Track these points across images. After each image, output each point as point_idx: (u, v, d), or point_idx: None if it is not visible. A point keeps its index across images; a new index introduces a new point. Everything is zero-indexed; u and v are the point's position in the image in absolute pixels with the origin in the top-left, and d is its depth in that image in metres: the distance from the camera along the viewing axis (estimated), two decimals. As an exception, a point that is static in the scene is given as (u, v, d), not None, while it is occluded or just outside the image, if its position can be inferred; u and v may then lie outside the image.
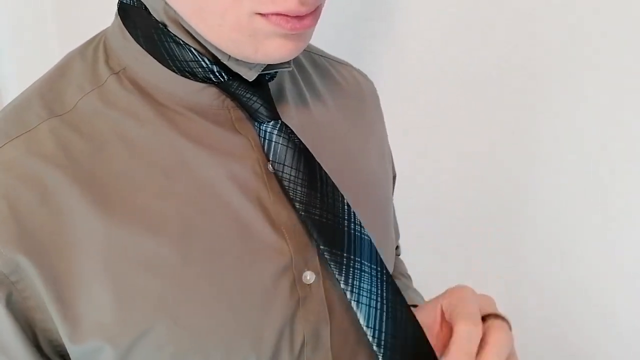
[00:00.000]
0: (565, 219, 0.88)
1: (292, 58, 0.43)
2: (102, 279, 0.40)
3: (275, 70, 0.46)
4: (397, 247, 0.75)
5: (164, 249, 0.42)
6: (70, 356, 0.42)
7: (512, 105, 0.87)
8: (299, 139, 0.47)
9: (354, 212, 0.47)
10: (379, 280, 0.46)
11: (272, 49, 0.41)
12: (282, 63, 0.46)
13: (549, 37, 0.81)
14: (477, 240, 0.94)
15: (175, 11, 0.43)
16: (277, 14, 0.39)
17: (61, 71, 0.46)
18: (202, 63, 0.44)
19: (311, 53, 0.59)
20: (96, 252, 0.41)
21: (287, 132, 0.47)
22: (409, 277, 0.72)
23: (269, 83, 0.48)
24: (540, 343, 0.96)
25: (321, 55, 0.60)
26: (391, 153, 0.65)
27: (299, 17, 0.40)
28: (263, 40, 0.41)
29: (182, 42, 0.44)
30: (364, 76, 0.63)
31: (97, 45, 0.48)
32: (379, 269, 0.46)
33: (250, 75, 0.45)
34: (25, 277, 0.40)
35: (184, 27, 0.43)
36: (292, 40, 0.42)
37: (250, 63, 0.44)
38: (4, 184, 0.40)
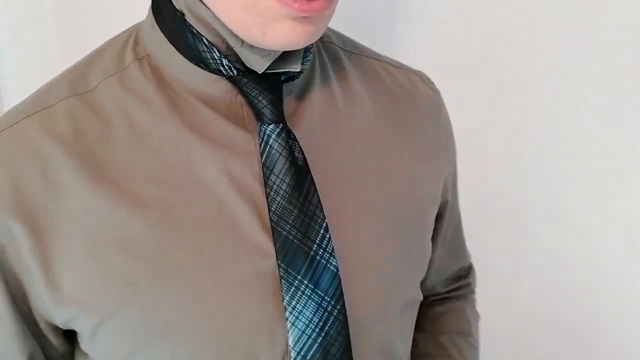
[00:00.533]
0: (565, 219, 0.88)
1: (302, 45, 0.42)
2: (83, 253, 0.43)
3: (286, 70, 0.45)
4: (464, 285, 0.69)
5: (145, 234, 0.43)
6: (57, 320, 0.45)
7: (512, 104, 0.87)
8: (299, 148, 0.46)
9: (329, 239, 0.45)
10: (325, 313, 0.44)
11: (280, 32, 0.41)
12: (290, 64, 0.45)
13: (549, 37, 0.81)
14: (478, 240, 0.94)
15: None
16: None
17: (95, 55, 0.49)
18: (214, 54, 0.44)
19: (360, 55, 0.56)
20: (82, 226, 0.43)
21: (286, 138, 0.46)
22: (468, 335, 0.65)
23: (292, 84, 0.48)
24: (550, 340, 0.96)
25: (374, 58, 0.57)
26: (453, 178, 0.61)
27: None
28: (271, 23, 0.40)
29: (195, 31, 0.44)
30: (429, 86, 0.58)
31: (131, 33, 0.50)
32: (332, 302, 0.44)
33: (260, 67, 0.44)
34: (14, 241, 0.43)
35: (199, 16, 0.44)
36: (301, 24, 0.41)
37: (263, 51, 0.43)
38: (10, 154, 0.44)
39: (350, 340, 0.45)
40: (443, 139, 0.57)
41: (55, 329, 0.47)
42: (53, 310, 0.44)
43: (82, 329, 0.45)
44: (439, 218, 0.59)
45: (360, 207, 0.48)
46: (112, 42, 0.50)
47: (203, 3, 0.43)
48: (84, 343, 0.46)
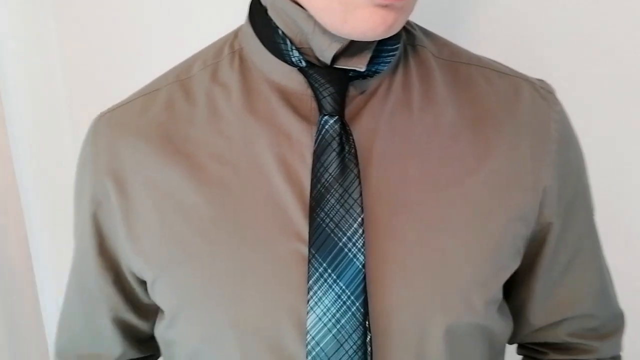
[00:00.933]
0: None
1: (380, 35, 0.43)
2: (153, 214, 0.50)
3: (351, 68, 0.47)
4: (592, 344, 0.59)
5: (202, 206, 0.49)
6: (134, 268, 0.53)
7: None
8: (351, 143, 0.47)
9: (361, 234, 0.46)
10: (344, 306, 0.46)
11: (361, 18, 0.42)
12: (357, 62, 0.47)
13: (548, 37, 0.81)
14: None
15: None
16: None
17: (205, 48, 0.56)
18: (287, 45, 0.48)
19: (455, 62, 0.55)
20: (155, 192, 0.50)
21: (339, 130, 0.48)
22: None
23: (364, 83, 0.50)
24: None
25: (474, 64, 0.55)
26: (561, 199, 0.54)
27: None
28: (353, 10, 0.42)
29: (274, 25, 0.49)
30: (541, 95, 0.55)
31: (238, 29, 0.56)
32: (351, 297, 0.46)
33: (328, 54, 0.47)
34: (108, 198, 0.52)
35: (278, 8, 0.48)
36: (381, 12, 0.42)
37: (333, 37, 0.46)
38: (115, 127, 0.53)
39: (366, 340, 0.46)
40: (545, 153, 0.52)
41: (137, 278, 0.55)
42: (131, 259, 0.52)
43: (147, 279, 0.52)
44: (541, 242, 0.55)
45: (411, 212, 0.48)
46: (221, 38, 0.56)
47: None
48: (149, 292, 0.53)
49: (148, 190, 0.51)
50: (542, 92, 0.55)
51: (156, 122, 0.52)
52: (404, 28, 0.54)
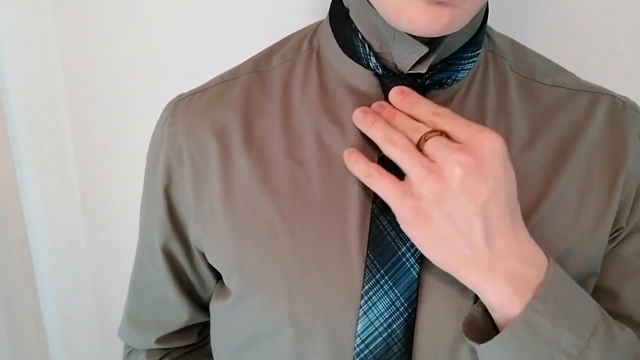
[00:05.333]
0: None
1: (435, 32, 0.42)
2: (219, 197, 0.52)
3: (416, 72, 0.47)
4: None
5: (267, 200, 0.50)
6: (191, 236, 0.56)
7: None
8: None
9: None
10: (396, 312, 0.47)
11: (413, 13, 0.42)
12: (421, 66, 0.46)
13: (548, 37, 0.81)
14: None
15: None
16: None
17: (283, 40, 0.58)
18: (365, 49, 0.48)
19: (531, 80, 0.54)
20: (227, 177, 0.52)
21: None
22: None
23: (437, 91, 0.49)
24: None
25: (548, 84, 0.54)
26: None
27: None
28: (406, 5, 0.42)
29: (354, 27, 0.49)
30: (623, 112, 0.54)
31: (319, 23, 0.56)
32: (405, 304, 0.47)
33: (406, 64, 0.47)
34: (182, 179, 0.54)
35: (359, 11, 0.48)
36: (434, 9, 0.41)
37: (411, 47, 0.46)
38: (194, 111, 0.55)
39: (412, 344, 0.48)
40: (621, 167, 0.52)
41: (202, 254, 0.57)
42: (192, 226, 0.55)
43: (203, 247, 0.55)
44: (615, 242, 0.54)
45: None
46: (301, 31, 0.57)
47: None
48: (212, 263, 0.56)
49: (220, 176, 0.52)
50: (620, 105, 0.54)
51: (233, 108, 0.53)
52: (486, 33, 0.54)
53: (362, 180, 0.47)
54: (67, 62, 0.89)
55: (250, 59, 0.57)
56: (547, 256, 0.46)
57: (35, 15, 0.87)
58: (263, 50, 0.58)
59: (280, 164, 0.51)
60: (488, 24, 0.53)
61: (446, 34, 0.43)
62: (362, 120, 0.48)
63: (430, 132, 0.45)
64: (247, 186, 0.51)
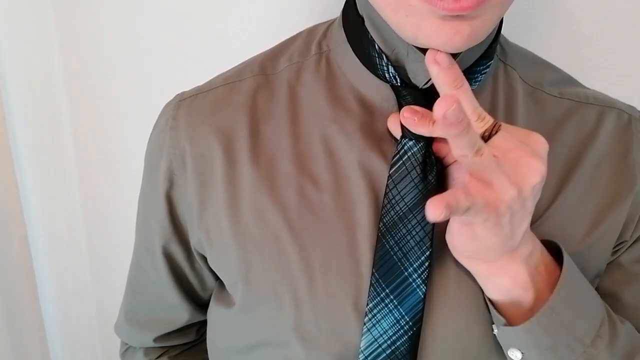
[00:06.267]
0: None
1: (457, 48, 0.40)
2: (225, 205, 0.51)
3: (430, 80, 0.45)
4: None
5: (274, 209, 0.49)
6: (192, 240, 0.55)
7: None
8: (436, 171, 0.46)
9: (427, 266, 0.46)
10: (401, 330, 0.47)
11: (429, 31, 0.40)
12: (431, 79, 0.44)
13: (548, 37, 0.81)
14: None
15: (369, 5, 0.45)
16: None
17: (288, 41, 0.56)
18: (382, 61, 0.46)
19: (540, 90, 0.53)
20: (231, 183, 0.50)
21: (422, 157, 0.46)
22: None
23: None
24: None
25: (556, 96, 0.53)
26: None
27: None
28: (420, 23, 0.40)
29: (370, 37, 0.47)
30: (629, 122, 0.53)
31: (328, 26, 0.55)
32: (410, 322, 0.47)
33: (422, 79, 0.45)
34: (185, 183, 0.53)
35: (375, 23, 0.46)
36: (451, 23, 0.39)
37: (425, 64, 0.43)
38: (197, 115, 0.52)
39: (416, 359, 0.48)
40: (626, 181, 0.52)
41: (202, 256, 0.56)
42: (194, 230, 0.54)
43: (204, 252, 0.54)
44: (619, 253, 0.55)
45: None
46: (307, 31, 0.55)
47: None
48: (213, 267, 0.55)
49: (225, 185, 0.51)
50: (625, 117, 0.54)
51: (239, 114, 0.52)
52: (499, 43, 0.52)
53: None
54: (67, 62, 0.89)
55: (255, 59, 0.55)
56: (561, 247, 0.47)
57: (35, 15, 0.87)
58: (267, 51, 0.56)
59: (288, 174, 0.50)
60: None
61: (469, 47, 0.41)
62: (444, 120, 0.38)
63: (493, 125, 0.43)
64: (254, 196, 0.50)
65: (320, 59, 0.52)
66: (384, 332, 0.47)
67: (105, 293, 1.05)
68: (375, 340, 0.47)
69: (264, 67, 0.54)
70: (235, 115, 0.52)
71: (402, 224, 0.47)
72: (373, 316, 0.47)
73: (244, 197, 0.50)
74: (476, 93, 0.48)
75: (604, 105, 0.54)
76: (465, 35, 0.40)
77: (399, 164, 0.47)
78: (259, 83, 0.53)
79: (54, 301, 1.05)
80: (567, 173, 0.51)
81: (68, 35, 0.87)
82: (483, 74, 0.48)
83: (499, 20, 0.45)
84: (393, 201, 0.47)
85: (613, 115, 0.54)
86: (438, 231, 0.47)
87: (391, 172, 0.47)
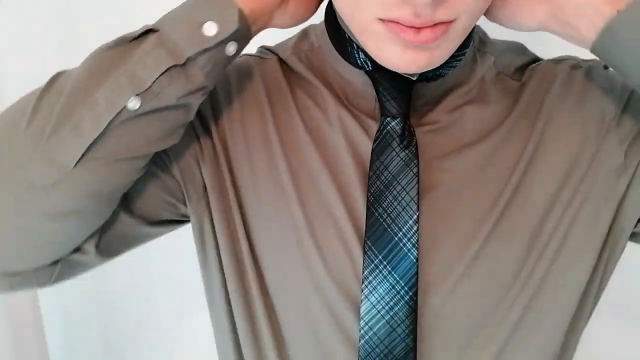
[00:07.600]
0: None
1: (415, 72, 0.44)
2: (250, 182, 0.53)
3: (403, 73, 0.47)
4: None
5: (283, 185, 0.52)
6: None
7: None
8: (415, 144, 0.49)
9: (416, 230, 0.49)
10: (397, 296, 0.49)
11: (392, 56, 0.43)
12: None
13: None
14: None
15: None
16: (393, 21, 0.41)
17: (289, 39, 0.59)
18: (353, 49, 0.50)
19: (503, 74, 0.55)
20: (257, 165, 0.53)
21: (401, 131, 0.50)
22: None
23: (430, 85, 0.51)
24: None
25: (519, 80, 0.55)
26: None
27: (415, 29, 0.41)
28: (383, 46, 0.44)
29: (342, 30, 0.51)
30: (565, 64, 0.56)
31: (320, 23, 0.57)
32: (405, 287, 0.49)
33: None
34: (209, 147, 0.54)
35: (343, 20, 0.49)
36: (412, 52, 0.43)
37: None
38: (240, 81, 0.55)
39: (416, 325, 0.49)
40: (581, 119, 0.52)
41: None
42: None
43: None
44: None
45: (465, 213, 0.50)
46: (303, 30, 0.58)
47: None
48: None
49: (250, 162, 0.53)
50: (566, 62, 0.56)
51: (261, 89, 0.55)
52: (476, 34, 0.55)
53: None
54: (67, 61, 0.89)
55: (273, 47, 0.59)
56: None
57: (35, 15, 0.87)
58: (283, 42, 0.59)
59: (291, 144, 0.53)
60: (488, 25, 0.54)
61: (428, 69, 0.45)
62: None
63: None
64: (270, 174, 0.53)
65: (313, 50, 0.56)
66: (381, 299, 0.49)
67: (105, 293, 1.05)
68: (374, 306, 0.49)
69: (281, 51, 0.58)
70: (260, 85, 0.55)
71: (388, 191, 0.49)
72: (369, 283, 0.49)
73: (262, 175, 0.53)
74: (457, 79, 0.53)
75: (560, 61, 0.56)
76: (423, 63, 0.43)
77: (380, 138, 0.50)
78: (275, 65, 0.56)
79: (54, 301, 1.05)
80: (530, 138, 0.52)
81: (69, 35, 0.88)
82: (458, 60, 0.50)
83: (458, 46, 0.46)
84: (377, 171, 0.50)
85: (564, 66, 0.55)
86: (426, 196, 0.50)
87: (374, 146, 0.50)
